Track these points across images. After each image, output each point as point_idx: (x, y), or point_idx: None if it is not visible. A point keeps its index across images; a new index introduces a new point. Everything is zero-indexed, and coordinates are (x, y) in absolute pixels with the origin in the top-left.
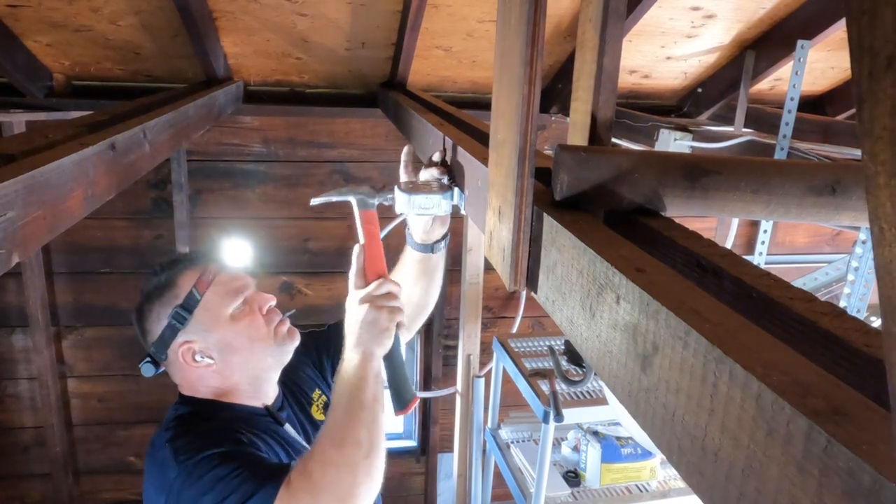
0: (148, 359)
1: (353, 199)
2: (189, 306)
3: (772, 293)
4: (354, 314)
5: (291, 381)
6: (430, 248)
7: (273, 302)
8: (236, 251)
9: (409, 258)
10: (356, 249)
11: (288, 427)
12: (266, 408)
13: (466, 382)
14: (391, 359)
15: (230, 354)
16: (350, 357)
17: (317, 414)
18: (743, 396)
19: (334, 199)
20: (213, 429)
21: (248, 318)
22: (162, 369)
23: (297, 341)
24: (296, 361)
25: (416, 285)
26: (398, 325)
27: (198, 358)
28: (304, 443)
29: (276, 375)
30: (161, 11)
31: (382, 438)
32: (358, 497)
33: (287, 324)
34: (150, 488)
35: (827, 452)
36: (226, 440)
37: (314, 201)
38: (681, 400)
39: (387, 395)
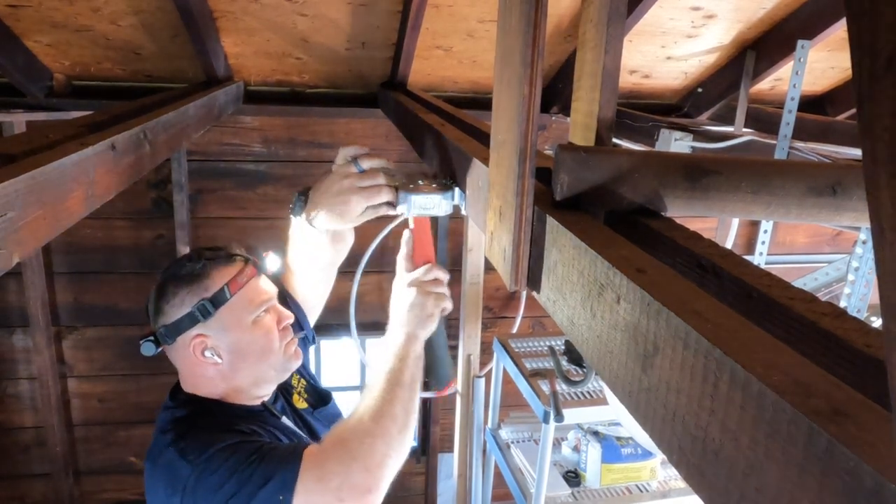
0: (151, 338)
1: None
2: (217, 302)
3: (772, 293)
4: (401, 297)
5: None
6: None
7: (291, 320)
8: (271, 260)
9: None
10: (405, 234)
11: (285, 419)
12: (263, 404)
13: (467, 382)
14: (434, 341)
15: (240, 359)
16: (394, 337)
17: (298, 402)
18: (743, 397)
19: None
20: (213, 425)
21: (266, 329)
22: (160, 349)
23: (300, 362)
24: None
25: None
26: (443, 311)
27: (207, 354)
28: (301, 433)
29: (275, 385)
30: (161, 12)
31: (415, 416)
32: (386, 468)
33: (295, 343)
34: (160, 493)
35: (828, 453)
36: (229, 433)
37: None
38: (681, 400)
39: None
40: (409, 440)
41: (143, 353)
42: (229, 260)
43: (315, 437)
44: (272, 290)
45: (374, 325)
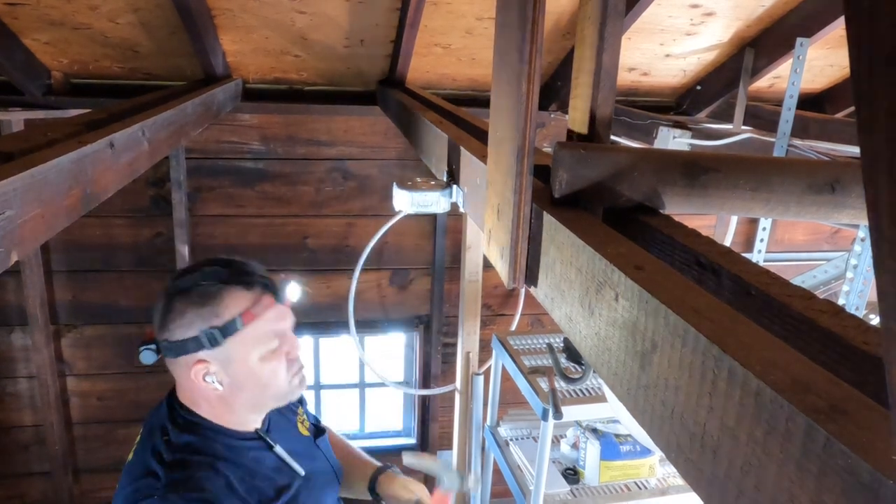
0: (153, 346)
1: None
2: (227, 332)
3: (771, 291)
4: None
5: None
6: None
7: (301, 350)
8: (292, 289)
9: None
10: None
11: (278, 448)
12: (256, 431)
13: (466, 380)
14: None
15: (240, 391)
16: None
17: (302, 430)
18: (742, 394)
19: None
20: (201, 469)
21: (273, 365)
22: (160, 356)
23: (303, 391)
24: None
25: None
26: None
27: (208, 379)
28: (293, 462)
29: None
30: (159, 9)
31: None
32: None
33: (302, 372)
34: None
35: (826, 450)
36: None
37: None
38: (680, 397)
39: None
40: None
41: (142, 360)
42: (246, 284)
43: (316, 462)
44: (288, 320)
45: (372, 322)
